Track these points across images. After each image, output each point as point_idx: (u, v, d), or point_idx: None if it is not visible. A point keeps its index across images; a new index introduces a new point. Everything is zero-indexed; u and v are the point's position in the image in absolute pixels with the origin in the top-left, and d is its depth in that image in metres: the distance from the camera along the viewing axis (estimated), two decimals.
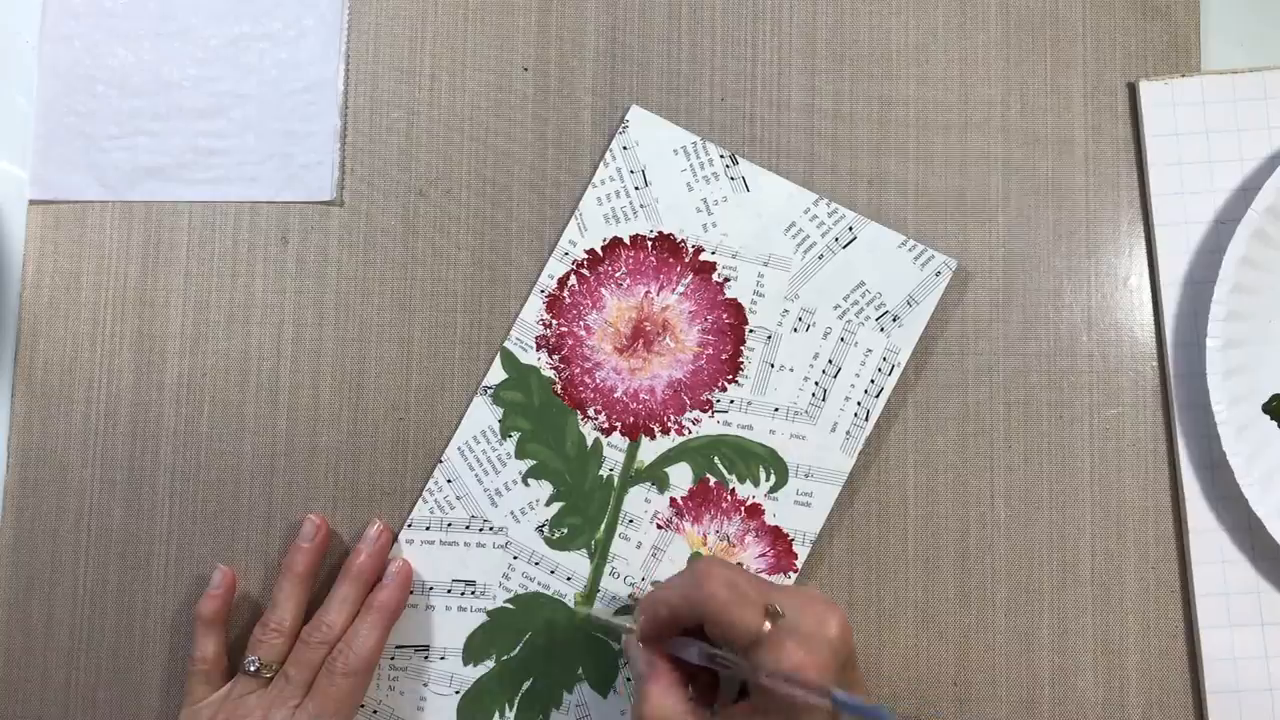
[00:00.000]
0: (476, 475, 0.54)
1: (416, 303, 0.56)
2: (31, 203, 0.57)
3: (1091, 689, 0.53)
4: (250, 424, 0.56)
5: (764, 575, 0.53)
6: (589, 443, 0.54)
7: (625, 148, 0.55)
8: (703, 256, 0.55)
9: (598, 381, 0.54)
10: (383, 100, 0.57)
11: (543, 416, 0.54)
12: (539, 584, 0.54)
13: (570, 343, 0.55)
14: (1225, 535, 0.53)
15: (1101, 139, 0.56)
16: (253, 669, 0.51)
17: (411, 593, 0.54)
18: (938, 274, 0.54)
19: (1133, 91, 0.56)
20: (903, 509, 0.55)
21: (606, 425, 0.54)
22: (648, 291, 0.55)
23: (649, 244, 0.55)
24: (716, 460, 0.54)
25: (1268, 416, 0.53)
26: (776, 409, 0.54)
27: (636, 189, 0.55)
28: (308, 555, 0.53)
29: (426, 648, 0.54)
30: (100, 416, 0.56)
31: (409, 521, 0.54)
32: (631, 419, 0.54)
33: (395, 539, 0.54)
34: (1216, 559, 0.53)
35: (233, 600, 0.53)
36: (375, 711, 0.53)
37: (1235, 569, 0.53)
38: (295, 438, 0.56)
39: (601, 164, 0.55)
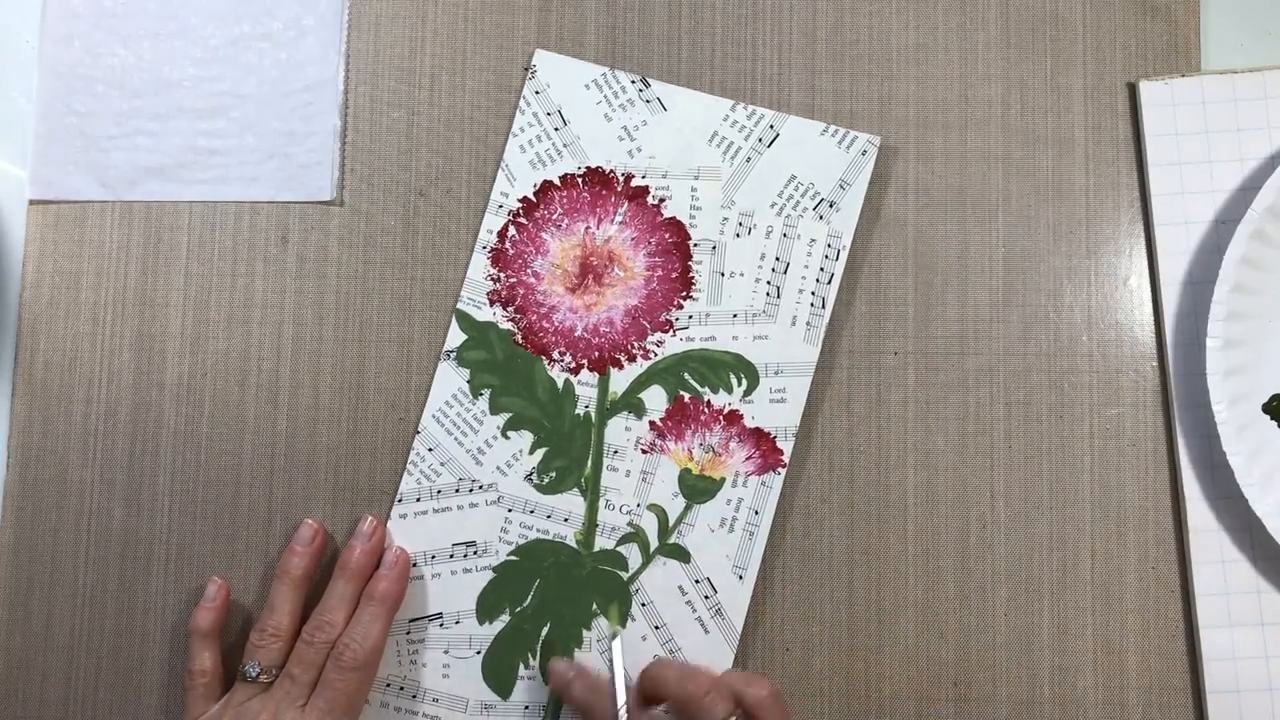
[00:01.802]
0: (455, 438, 0.55)
1: (416, 303, 0.56)
2: (31, 203, 0.57)
3: (1091, 689, 0.53)
4: (250, 424, 0.56)
5: (751, 475, 0.54)
6: (559, 385, 0.55)
7: (537, 92, 0.56)
8: (634, 182, 0.55)
9: (556, 324, 0.55)
10: (383, 100, 0.57)
11: (509, 369, 0.55)
12: (538, 531, 0.54)
13: (522, 292, 0.55)
14: (1225, 535, 0.53)
15: (1101, 139, 0.56)
16: (252, 675, 0.51)
17: (414, 565, 0.54)
18: (864, 153, 0.55)
19: (1133, 91, 0.56)
20: (903, 509, 0.55)
21: (573, 364, 0.55)
22: (587, 227, 0.55)
23: (579, 181, 0.55)
24: (687, 376, 0.55)
25: (1268, 416, 0.53)
26: (735, 315, 0.55)
27: (556, 130, 0.56)
28: (304, 559, 0.53)
29: (440, 615, 0.54)
30: (100, 416, 0.56)
31: (398, 497, 0.55)
32: (596, 354, 0.55)
33: (387, 532, 0.55)
34: (1216, 559, 0.53)
35: (228, 611, 0.53)
36: (402, 688, 0.53)
37: (1235, 569, 0.53)
38: (295, 438, 0.56)
39: (517, 112, 0.56)
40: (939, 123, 0.56)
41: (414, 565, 0.54)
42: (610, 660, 0.52)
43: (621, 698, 0.50)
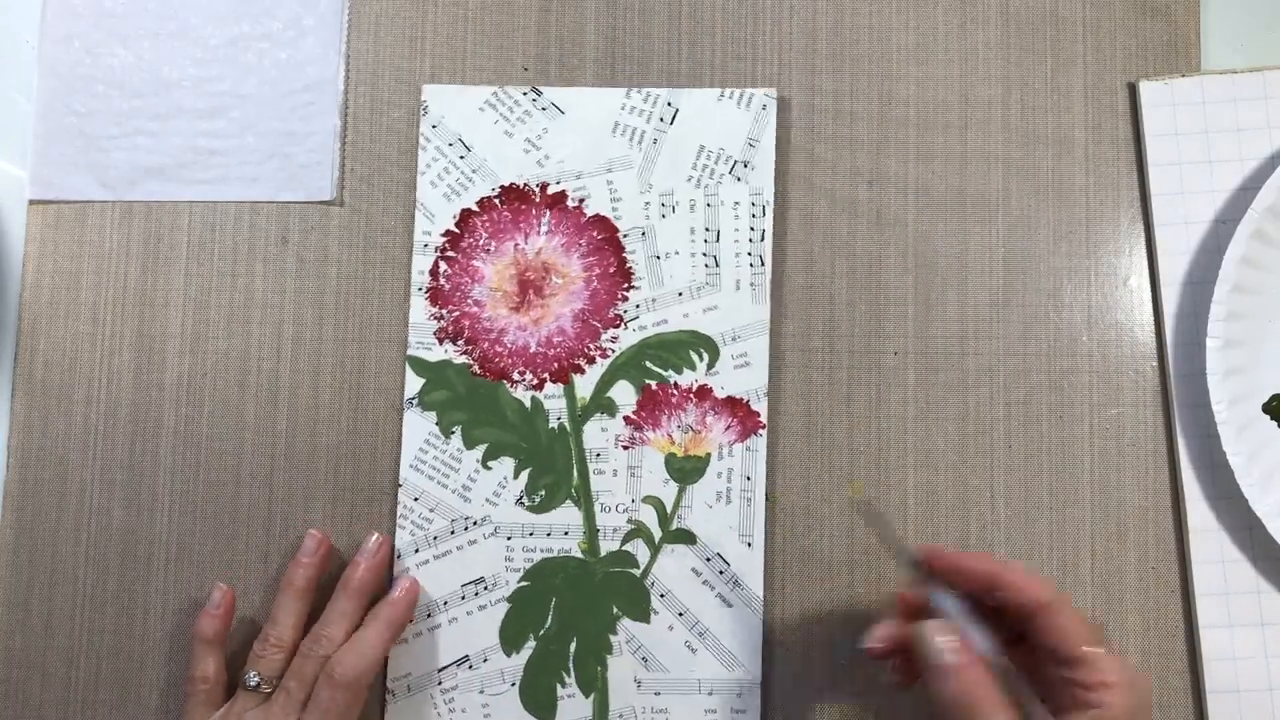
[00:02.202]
0: (438, 482, 0.54)
1: None
2: (31, 203, 0.57)
3: None
4: (250, 424, 0.56)
5: (735, 444, 0.54)
6: (527, 404, 0.55)
7: (434, 126, 0.56)
8: (550, 190, 0.56)
9: (509, 346, 0.55)
10: (383, 100, 0.57)
11: (474, 400, 0.55)
12: (541, 551, 0.54)
13: (468, 323, 0.55)
14: (1225, 535, 0.53)
15: (1101, 139, 0.56)
16: (253, 684, 0.50)
17: (429, 615, 0.54)
18: (764, 108, 0.55)
19: (1133, 91, 0.56)
20: (903, 509, 0.55)
21: (536, 381, 0.55)
22: (516, 244, 0.55)
23: (497, 202, 0.56)
24: (648, 364, 0.55)
25: (1268, 416, 0.53)
26: (680, 294, 0.55)
27: (461, 158, 0.56)
28: (308, 570, 0.53)
29: (466, 658, 0.54)
30: (100, 416, 0.56)
31: (396, 553, 0.54)
32: (555, 365, 0.55)
33: (395, 549, 0.55)
34: (1216, 559, 0.53)
35: (232, 618, 0.53)
36: None
37: (1235, 569, 0.53)
38: (295, 438, 0.56)
39: (420, 151, 0.56)
40: (939, 123, 0.56)
41: (429, 615, 0.54)
42: (878, 521, 0.52)
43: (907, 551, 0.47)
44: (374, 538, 0.54)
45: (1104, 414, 0.55)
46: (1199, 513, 0.53)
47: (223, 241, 0.57)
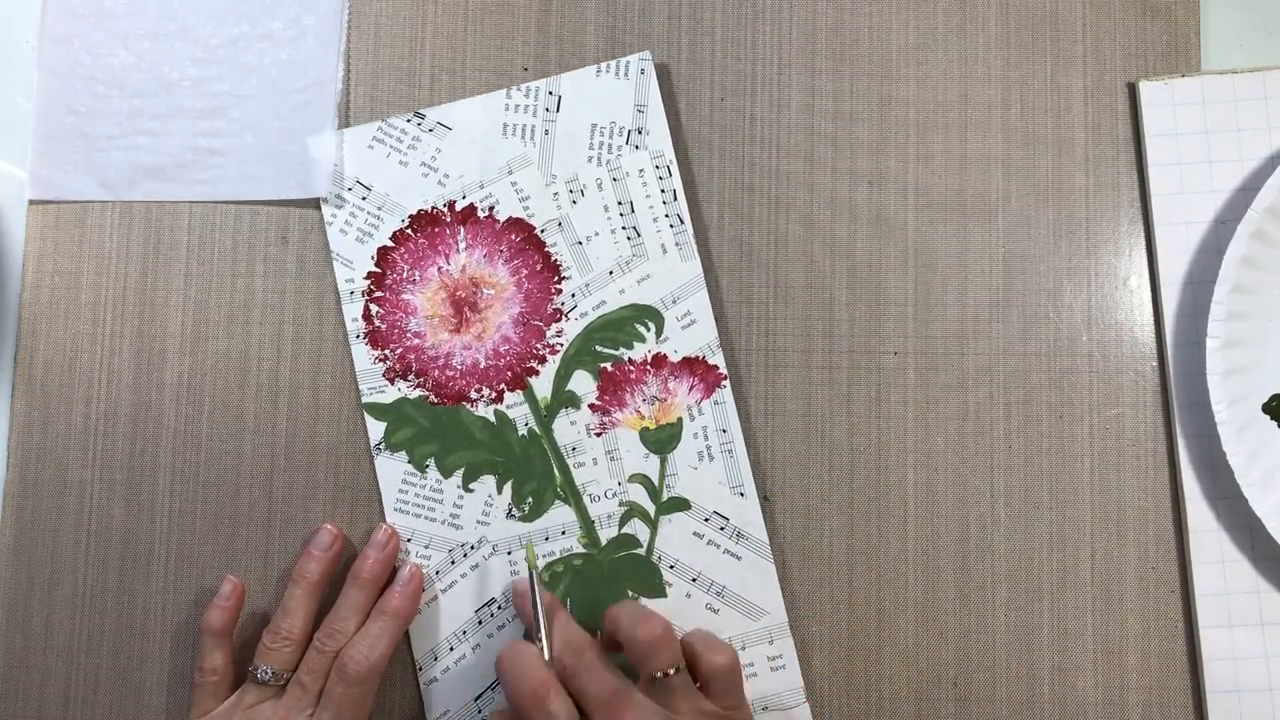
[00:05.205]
0: (425, 518, 0.54)
1: None
2: (31, 203, 0.57)
3: (1091, 689, 0.53)
4: (250, 424, 0.56)
5: (702, 401, 0.55)
6: (492, 419, 0.55)
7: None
8: (458, 206, 0.56)
9: (459, 368, 0.55)
10: (383, 100, 0.57)
11: (439, 429, 0.55)
12: (544, 556, 0.54)
13: (413, 357, 0.55)
14: (1225, 535, 0.53)
15: (1101, 139, 0.56)
16: (263, 678, 0.51)
17: (452, 649, 0.54)
18: (642, 72, 0.56)
19: (1133, 91, 0.56)
20: (903, 509, 0.55)
21: (494, 395, 0.55)
22: (439, 268, 0.55)
23: (409, 232, 0.56)
24: (598, 348, 0.55)
25: (1268, 416, 0.53)
26: (610, 272, 0.55)
27: (364, 199, 0.56)
28: (321, 564, 0.53)
29: (499, 680, 0.54)
30: (100, 416, 0.56)
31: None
32: (509, 373, 0.55)
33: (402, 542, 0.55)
34: (1216, 559, 0.53)
35: (241, 611, 0.53)
36: None
37: (1235, 569, 0.53)
38: (295, 438, 0.56)
39: (322, 203, 0.56)
40: (939, 123, 0.56)
41: (451, 649, 0.54)
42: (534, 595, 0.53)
43: (542, 629, 0.50)
44: (383, 530, 0.54)
45: (1104, 414, 0.55)
46: (1199, 513, 0.53)
47: (223, 241, 0.57)
